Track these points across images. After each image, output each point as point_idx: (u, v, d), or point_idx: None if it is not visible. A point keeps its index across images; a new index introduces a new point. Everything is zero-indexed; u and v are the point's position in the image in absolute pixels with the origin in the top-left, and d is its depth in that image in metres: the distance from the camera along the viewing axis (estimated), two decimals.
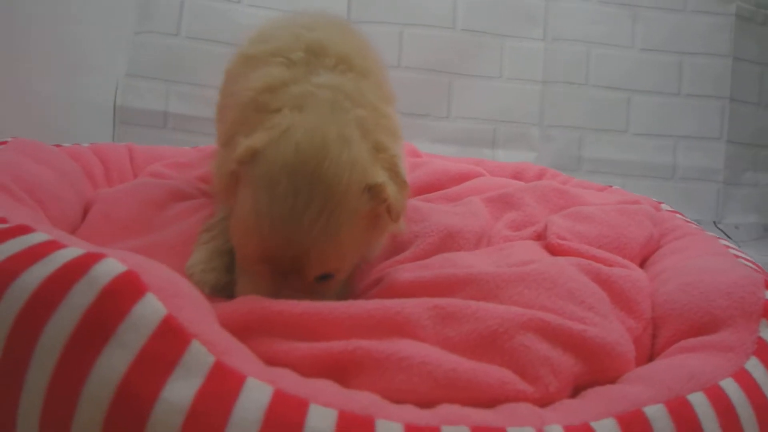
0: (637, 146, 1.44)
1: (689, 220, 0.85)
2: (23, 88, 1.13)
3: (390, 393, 0.41)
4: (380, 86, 0.65)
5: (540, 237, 0.75)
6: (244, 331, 0.45)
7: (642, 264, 0.72)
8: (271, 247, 0.51)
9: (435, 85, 1.41)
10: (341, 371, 0.43)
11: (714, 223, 1.44)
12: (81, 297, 0.36)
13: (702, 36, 1.44)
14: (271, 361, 0.42)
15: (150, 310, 0.37)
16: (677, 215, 0.86)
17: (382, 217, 0.55)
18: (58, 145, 0.86)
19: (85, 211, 0.74)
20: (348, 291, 0.61)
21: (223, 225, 0.63)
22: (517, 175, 1.11)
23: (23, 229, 0.42)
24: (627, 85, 1.43)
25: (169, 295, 0.39)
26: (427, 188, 0.94)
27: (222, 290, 0.56)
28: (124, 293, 0.37)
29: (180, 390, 0.34)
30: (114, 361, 0.35)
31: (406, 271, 0.61)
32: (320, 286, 0.54)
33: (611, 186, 1.04)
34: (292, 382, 0.39)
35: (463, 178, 1.00)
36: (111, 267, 0.38)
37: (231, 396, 0.35)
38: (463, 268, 0.59)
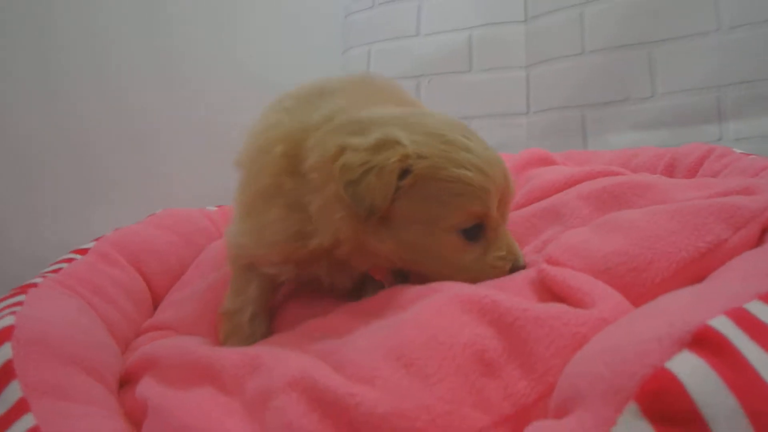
0: None
1: None
2: None
3: None
4: None
5: None
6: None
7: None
8: (504, 191, 0.56)
9: (630, 63, 1.17)
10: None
11: None
12: None
13: None
14: None
15: None
16: None
17: None
18: None
19: None
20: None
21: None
22: (671, 165, 0.85)
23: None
24: None
25: None
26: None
27: None
28: None
29: None
30: None
31: None
32: None
33: None
34: None
35: (573, 184, 0.82)
36: None
37: None
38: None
